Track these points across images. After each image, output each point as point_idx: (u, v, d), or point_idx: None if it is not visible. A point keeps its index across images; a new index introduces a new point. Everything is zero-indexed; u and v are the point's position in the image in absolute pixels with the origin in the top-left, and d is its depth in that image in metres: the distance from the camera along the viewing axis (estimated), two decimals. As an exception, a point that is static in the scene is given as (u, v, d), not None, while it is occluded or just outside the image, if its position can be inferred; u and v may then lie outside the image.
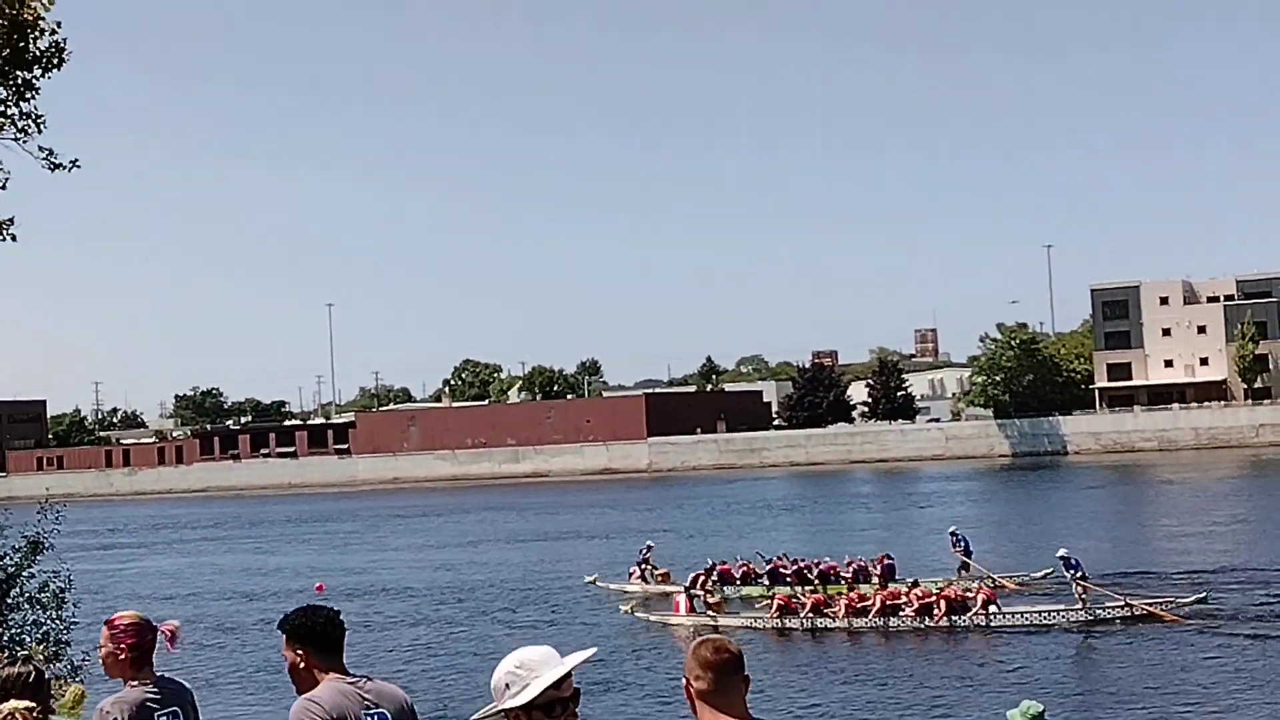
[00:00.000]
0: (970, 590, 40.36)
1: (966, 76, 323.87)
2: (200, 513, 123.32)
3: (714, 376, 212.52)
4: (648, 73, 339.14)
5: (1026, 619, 38.72)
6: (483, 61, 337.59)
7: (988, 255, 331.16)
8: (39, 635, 21.76)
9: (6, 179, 22.17)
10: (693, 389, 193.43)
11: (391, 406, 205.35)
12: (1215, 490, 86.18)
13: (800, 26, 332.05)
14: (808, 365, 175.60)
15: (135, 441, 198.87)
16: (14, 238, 22.46)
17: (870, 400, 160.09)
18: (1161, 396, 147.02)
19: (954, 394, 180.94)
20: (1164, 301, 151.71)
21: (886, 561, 45.16)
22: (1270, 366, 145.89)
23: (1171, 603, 38.65)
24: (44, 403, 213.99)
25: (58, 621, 22.31)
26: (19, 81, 21.80)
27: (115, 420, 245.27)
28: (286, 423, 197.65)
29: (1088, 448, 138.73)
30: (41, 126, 22.22)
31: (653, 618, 42.98)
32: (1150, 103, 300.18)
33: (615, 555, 55.15)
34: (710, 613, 42.17)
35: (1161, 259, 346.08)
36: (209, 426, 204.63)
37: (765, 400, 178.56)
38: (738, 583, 47.10)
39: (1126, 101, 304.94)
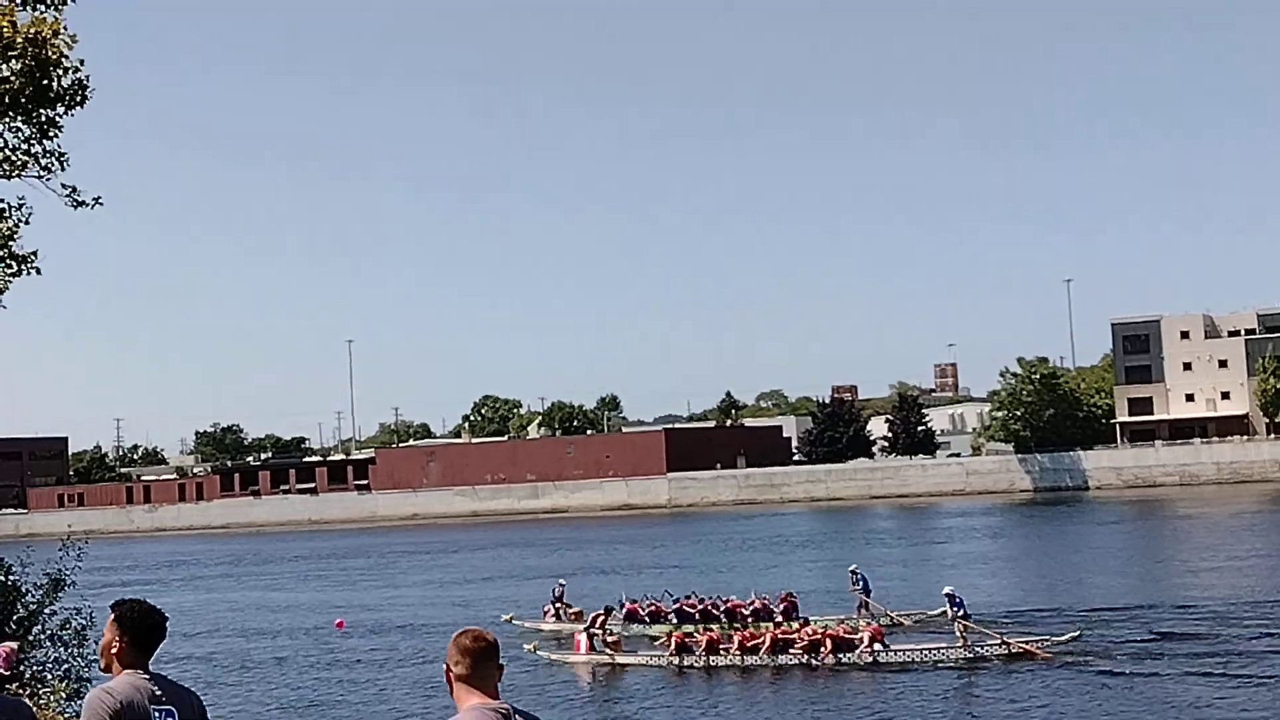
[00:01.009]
0: (858, 629, 41.31)
1: (986, 110, 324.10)
2: (220, 549, 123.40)
3: (734, 411, 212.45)
4: (667, 98, 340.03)
5: (910, 656, 39.70)
6: (499, 96, 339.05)
7: (1008, 290, 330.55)
8: (60, 673, 21.73)
9: (30, 215, 22.30)
10: (712, 424, 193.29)
11: (411, 443, 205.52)
12: (1233, 525, 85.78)
13: (823, 53, 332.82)
14: (827, 400, 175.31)
15: (156, 478, 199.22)
16: (38, 271, 22.56)
17: (890, 435, 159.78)
18: (1183, 431, 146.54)
19: (974, 429, 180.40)
20: (1185, 335, 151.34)
21: (789, 600, 46.12)
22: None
23: (1047, 640, 39.82)
24: (65, 440, 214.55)
25: (79, 659, 22.28)
26: (42, 120, 21.93)
27: (136, 457, 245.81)
28: (306, 459, 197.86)
29: (1109, 483, 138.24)
30: (65, 164, 22.34)
31: (554, 656, 43.84)
32: (1171, 137, 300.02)
33: (618, 590, 55.09)
34: (608, 651, 42.96)
35: (1182, 293, 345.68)
36: (229, 463, 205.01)
37: (785, 435, 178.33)
38: (646, 621, 48.03)
39: (1147, 135, 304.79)
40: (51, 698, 17.53)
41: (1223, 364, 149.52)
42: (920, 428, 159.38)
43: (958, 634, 40.20)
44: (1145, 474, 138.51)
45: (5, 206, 22.17)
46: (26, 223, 22.25)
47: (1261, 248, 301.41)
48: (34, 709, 7.79)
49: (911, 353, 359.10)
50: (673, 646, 41.92)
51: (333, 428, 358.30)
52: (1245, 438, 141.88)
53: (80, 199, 22.40)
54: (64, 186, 22.24)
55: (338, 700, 39.95)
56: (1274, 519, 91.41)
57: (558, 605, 49.92)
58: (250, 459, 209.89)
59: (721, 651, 41.08)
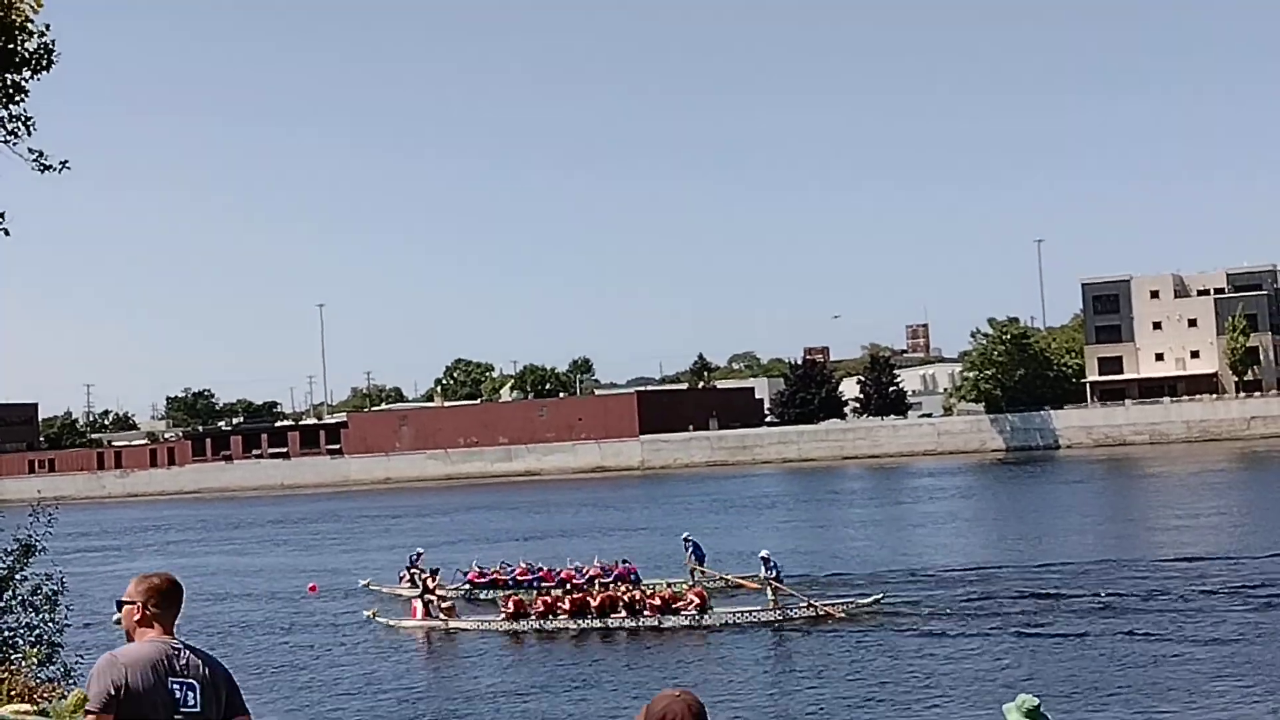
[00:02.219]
0: (682, 592, 42.85)
1: (957, 71, 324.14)
2: (192, 514, 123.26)
3: (706, 374, 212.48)
4: (640, 66, 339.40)
5: (727, 619, 41.66)
6: (474, 61, 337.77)
7: (979, 250, 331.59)
8: (32, 638, 21.73)
9: (-5, 181, 22.20)
10: (685, 386, 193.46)
11: (383, 406, 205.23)
12: (1196, 484, 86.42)
13: (794, 22, 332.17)
14: (800, 362, 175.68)
15: (127, 444, 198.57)
16: (6, 232, 22.45)
17: (862, 396, 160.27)
18: (1152, 390, 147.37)
19: (946, 389, 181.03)
20: (1154, 295, 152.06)
21: (625, 566, 48.20)
22: (1261, 359, 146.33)
23: (850, 603, 41.80)
24: (35, 405, 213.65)
25: (51, 624, 22.30)
26: (7, 84, 21.80)
27: (107, 422, 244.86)
28: (278, 424, 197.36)
29: (1079, 442, 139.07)
30: (31, 128, 22.21)
31: (390, 622, 45.07)
32: (1140, 96, 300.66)
33: (588, 550, 55.60)
34: (443, 616, 44.46)
35: (1152, 253, 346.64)
36: (201, 428, 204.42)
37: (758, 397, 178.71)
38: (487, 587, 49.68)
39: (1116, 95, 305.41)
40: (23, 663, 17.51)
41: (1192, 323, 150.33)
42: (892, 388, 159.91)
43: (769, 596, 42.13)
44: (1115, 433, 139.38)
45: (-30, 171, 22.06)
46: (-8, 187, 22.16)
47: (1230, 207, 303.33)
48: None
49: (883, 314, 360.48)
50: (510, 610, 43.30)
51: (305, 392, 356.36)
52: (1214, 396, 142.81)
53: (47, 163, 22.25)
54: (30, 151, 22.11)
55: (311, 662, 40.23)
56: (1238, 477, 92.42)
57: (413, 570, 50.57)
58: (222, 424, 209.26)
59: (552, 615, 42.59)
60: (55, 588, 22.60)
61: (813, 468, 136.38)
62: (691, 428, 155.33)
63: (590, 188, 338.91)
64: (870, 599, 41.92)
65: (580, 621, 42.22)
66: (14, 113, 21.96)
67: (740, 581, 46.33)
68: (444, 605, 45.17)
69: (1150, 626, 36.48)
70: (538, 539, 73.33)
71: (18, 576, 22.36)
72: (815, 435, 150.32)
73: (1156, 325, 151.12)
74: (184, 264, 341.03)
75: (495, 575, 50.53)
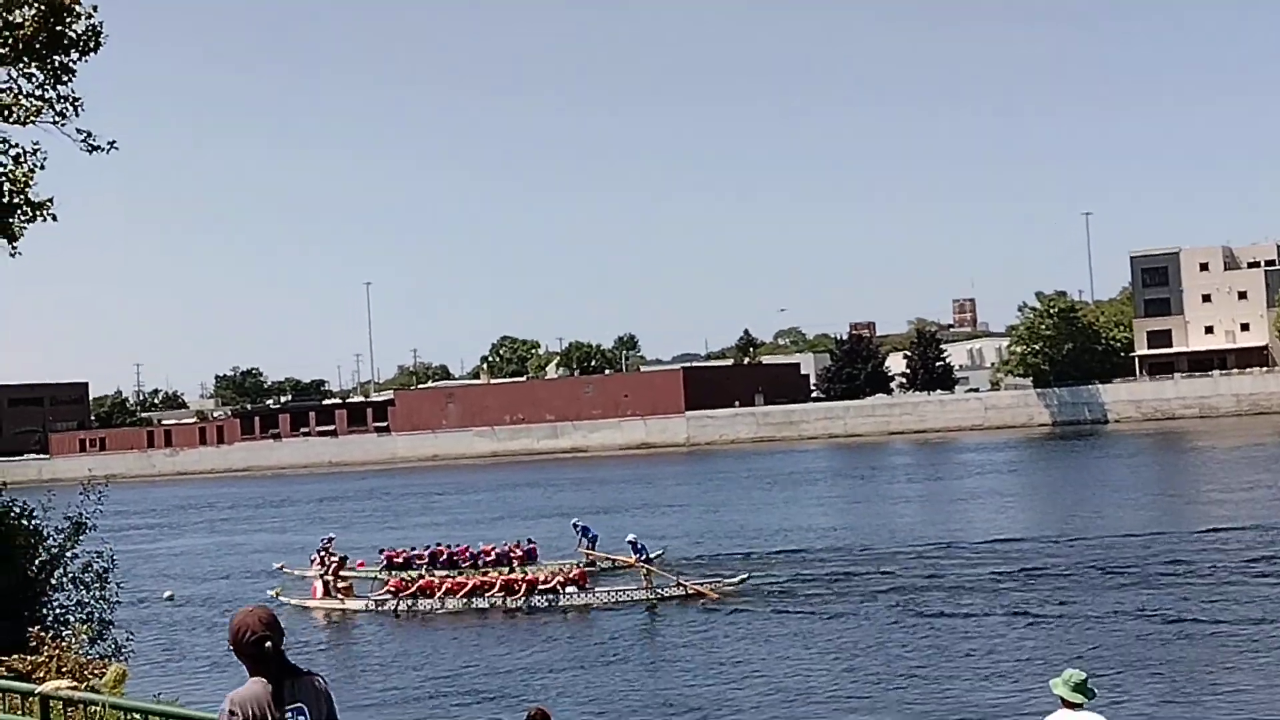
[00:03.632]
0: (559, 572, 44.87)
1: (1003, 43, 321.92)
2: (240, 492, 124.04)
3: (751, 349, 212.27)
4: (681, 44, 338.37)
5: (604, 598, 43.27)
6: (516, 38, 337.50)
7: (1026, 223, 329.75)
8: (83, 615, 21.96)
9: (44, 161, 22.34)
10: (730, 362, 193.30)
11: (430, 384, 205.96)
12: (1250, 457, 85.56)
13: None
14: (845, 337, 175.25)
15: (176, 422, 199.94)
16: (54, 218, 22.64)
17: (908, 371, 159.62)
18: (1202, 363, 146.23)
19: (993, 364, 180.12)
20: (1204, 267, 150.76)
21: (528, 546, 50.18)
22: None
23: (718, 582, 43.16)
24: (86, 385, 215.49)
25: (101, 601, 22.51)
26: (56, 65, 21.95)
27: (156, 401, 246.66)
28: (326, 402, 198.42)
29: (1128, 416, 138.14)
30: (79, 109, 22.37)
31: (292, 602, 47.20)
32: (1190, 67, 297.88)
33: (615, 529, 56.06)
34: (339, 596, 46.96)
35: (1201, 224, 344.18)
36: (249, 406, 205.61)
37: (803, 373, 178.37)
38: (400, 567, 50.79)
39: (1165, 66, 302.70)
40: (73, 640, 17.72)
41: (1242, 295, 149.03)
42: (938, 363, 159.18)
43: (641, 576, 43.85)
44: (1164, 407, 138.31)
45: (21, 152, 22.23)
46: (42, 168, 22.31)
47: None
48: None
49: (930, 288, 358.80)
50: (397, 590, 45.42)
51: (351, 370, 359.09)
52: (1265, 369, 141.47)
53: (95, 144, 22.45)
54: (79, 131, 22.29)
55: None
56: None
57: (323, 554, 51.51)
58: (270, 402, 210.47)
59: (438, 596, 44.50)
60: (105, 565, 22.81)
61: (859, 443, 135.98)
62: (737, 404, 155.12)
63: (636, 163, 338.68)
64: (737, 579, 43.35)
65: (464, 601, 44.13)
66: (62, 94, 22.15)
67: (629, 562, 47.02)
68: (341, 586, 47.46)
69: (1192, 600, 36.29)
70: (570, 515, 73.86)
71: (68, 554, 22.58)
72: (861, 410, 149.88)
73: (1206, 298, 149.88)
74: (232, 243, 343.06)
75: (409, 555, 52.13)
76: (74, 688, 12.40)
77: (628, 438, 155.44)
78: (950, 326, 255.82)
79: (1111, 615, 35.01)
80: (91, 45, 22.06)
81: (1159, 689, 27.28)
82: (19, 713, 11.86)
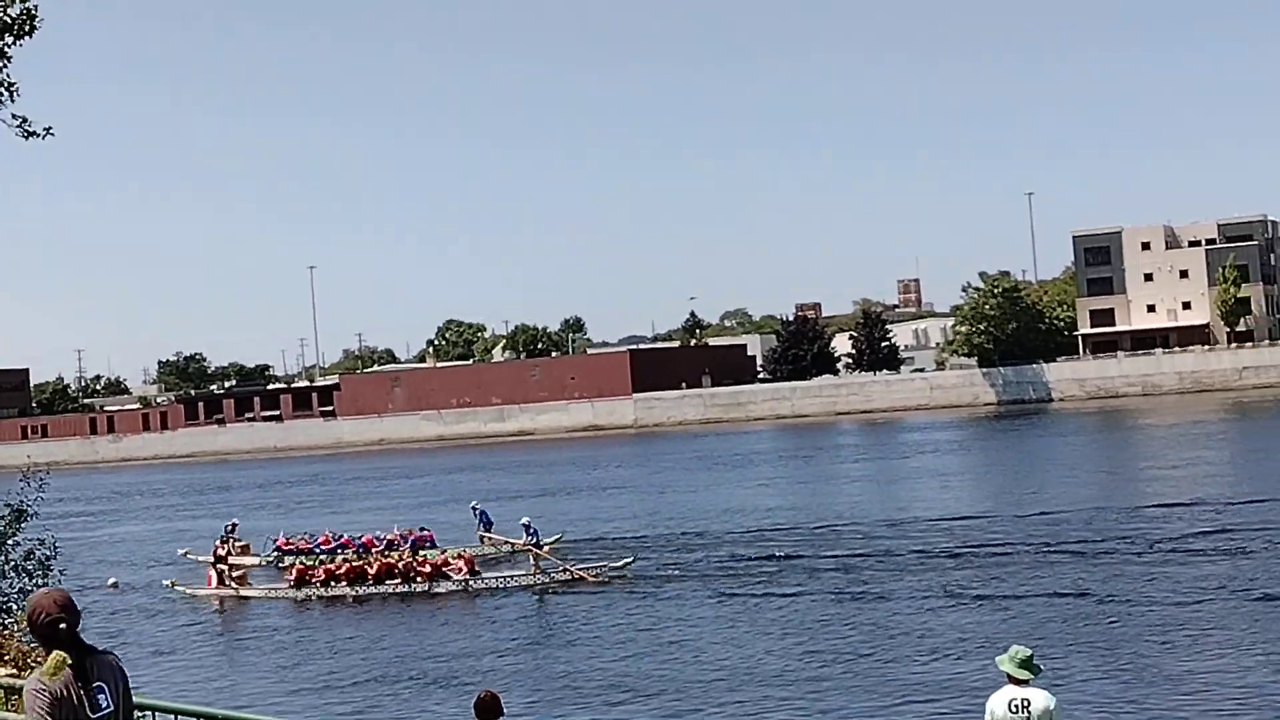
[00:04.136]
0: (453, 558, 45.65)
1: (947, 23, 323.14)
2: (184, 479, 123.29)
3: (698, 331, 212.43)
4: (631, 21, 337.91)
5: (495, 583, 44.29)
6: (454, 25, 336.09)
7: (969, 204, 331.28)
8: (24, 604, 21.74)
9: (-20, 147, 22.09)
10: (677, 344, 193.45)
11: (375, 368, 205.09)
12: (1192, 434, 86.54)
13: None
14: (791, 318, 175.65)
15: (120, 408, 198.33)
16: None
17: (854, 352, 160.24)
18: (1145, 342, 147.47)
19: (938, 344, 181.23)
20: (1146, 247, 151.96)
21: (421, 533, 50.46)
22: (1252, 310, 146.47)
23: (603, 566, 43.94)
24: (27, 371, 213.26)
25: (44, 590, 22.29)
26: (-10, 50, 21.65)
27: (99, 388, 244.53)
28: (271, 386, 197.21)
29: (1072, 394, 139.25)
30: (14, 94, 22.08)
31: (187, 590, 47.60)
32: (1131, 47, 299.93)
33: (572, 509, 56.16)
34: (234, 584, 47.56)
35: (1143, 204, 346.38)
36: (193, 392, 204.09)
37: (750, 354, 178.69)
38: (294, 554, 51.16)
39: (1106, 45, 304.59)
40: (15, 628, 17.53)
41: (1184, 274, 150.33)
42: (884, 344, 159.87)
43: (530, 561, 44.90)
44: (1108, 385, 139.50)
45: (-45, 137, 21.93)
46: (-23, 154, 22.02)
47: (1221, 158, 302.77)
48: None
49: (875, 269, 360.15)
50: (293, 578, 46.17)
51: (296, 355, 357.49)
52: (1206, 347, 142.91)
53: (31, 129, 22.15)
54: (14, 117, 22.01)
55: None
56: (1230, 427, 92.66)
57: (228, 540, 51.87)
58: (214, 388, 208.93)
59: (333, 583, 45.22)
60: (48, 553, 22.59)
61: (806, 424, 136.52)
62: (684, 385, 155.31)
63: (579, 147, 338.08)
64: (622, 562, 43.89)
65: (359, 588, 44.82)
66: (-3, 79, 21.85)
67: (519, 545, 47.48)
68: (236, 574, 47.95)
69: (1133, 576, 36.66)
70: (519, 499, 73.93)
71: (10, 542, 22.35)
72: (808, 391, 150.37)
73: (1148, 277, 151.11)
74: (174, 229, 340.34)
75: (300, 543, 52.32)
76: (15, 675, 12.27)
77: (575, 420, 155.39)
78: (895, 307, 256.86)
79: (1055, 592, 35.31)
80: (26, 29, 21.77)
81: (1102, 665, 27.53)
82: (-40, 702, 11.72)
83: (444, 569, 44.79)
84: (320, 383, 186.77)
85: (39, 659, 15.24)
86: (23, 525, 22.53)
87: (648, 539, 51.88)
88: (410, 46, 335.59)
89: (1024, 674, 12.46)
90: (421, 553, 47.08)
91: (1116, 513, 49.19)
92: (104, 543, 67.59)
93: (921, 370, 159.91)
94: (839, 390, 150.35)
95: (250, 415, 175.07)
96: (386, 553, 47.50)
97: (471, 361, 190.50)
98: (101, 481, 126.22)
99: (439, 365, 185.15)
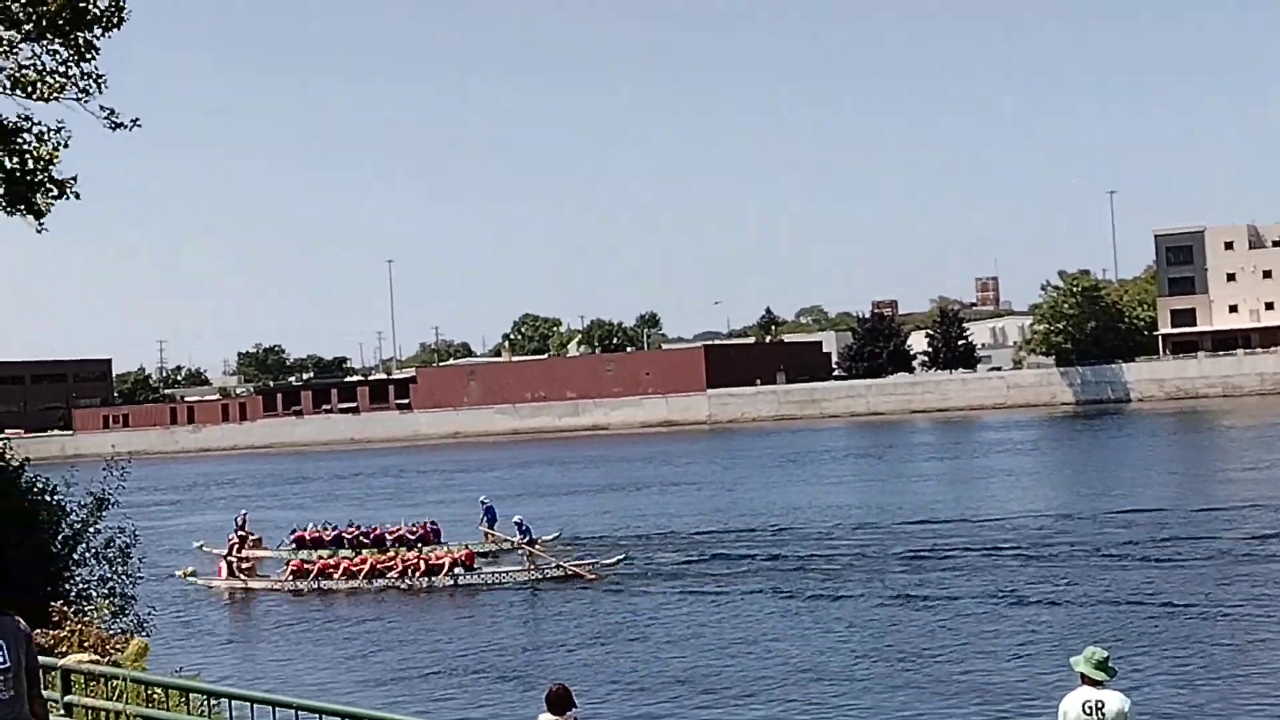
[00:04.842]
0: (451, 554, 46.67)
1: (1025, 22, 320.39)
2: (261, 469, 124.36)
3: (773, 327, 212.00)
4: (705, 29, 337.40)
5: (491, 579, 45.42)
6: (541, 20, 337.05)
7: (1050, 202, 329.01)
8: (105, 590, 22.06)
9: (69, 139, 22.38)
10: (752, 340, 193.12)
11: (451, 361, 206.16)
12: (1276, 437, 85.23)
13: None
14: (868, 315, 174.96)
15: (199, 399, 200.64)
16: (77, 195, 22.70)
17: (931, 350, 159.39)
18: (1226, 342, 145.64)
19: (1015, 342, 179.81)
20: (1229, 246, 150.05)
21: (430, 527, 51.16)
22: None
23: (595, 563, 44.76)
24: (109, 361, 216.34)
25: (123, 577, 22.60)
26: (79, 42, 21.95)
27: (180, 378, 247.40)
28: (348, 379, 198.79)
29: (1151, 395, 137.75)
30: (102, 86, 22.38)
31: (199, 581, 48.74)
32: (1212, 44, 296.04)
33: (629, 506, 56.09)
34: (242, 576, 48.83)
35: (1226, 203, 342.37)
36: (272, 383, 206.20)
37: (825, 351, 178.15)
38: (310, 546, 51.82)
39: (1188, 44, 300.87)
40: (95, 615, 17.81)
41: (1267, 274, 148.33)
42: (961, 342, 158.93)
43: (525, 557, 45.72)
44: (1187, 386, 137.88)
45: (45, 130, 22.26)
46: (66, 146, 22.33)
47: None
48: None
49: (953, 267, 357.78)
50: (290, 572, 47.84)
51: (374, 347, 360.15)
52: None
53: (118, 121, 22.47)
54: (102, 109, 22.31)
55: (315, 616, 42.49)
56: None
57: (240, 533, 52.75)
58: (292, 379, 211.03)
59: (334, 576, 46.71)
60: (128, 541, 22.90)
61: (881, 421, 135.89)
62: (759, 382, 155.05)
63: (657, 142, 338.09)
64: (614, 559, 44.66)
65: (360, 582, 46.17)
66: (85, 70, 22.16)
67: (519, 545, 47.86)
68: (245, 566, 49.26)
69: (1211, 579, 36.23)
70: (583, 494, 74.14)
71: (91, 530, 22.66)
72: (883, 389, 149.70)
73: (1230, 277, 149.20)
74: (254, 221, 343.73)
75: (317, 535, 53.06)
76: (96, 662, 12.47)
77: (649, 415, 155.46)
78: (973, 305, 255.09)
79: (1130, 594, 34.93)
80: (114, 21, 22.05)
81: (1176, 669, 27.22)
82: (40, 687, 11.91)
83: (441, 564, 46.03)
84: (397, 375, 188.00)
85: (119, 646, 15.47)
86: (104, 513, 22.86)
87: (716, 535, 51.93)
88: (490, 51, 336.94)
89: (1100, 675, 12.36)
90: (424, 549, 48.24)
91: (1194, 515, 48.62)
92: (183, 531, 68.27)
93: (998, 369, 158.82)
94: (914, 388, 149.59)
95: (327, 407, 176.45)
96: (395, 546, 48.94)
97: (547, 356, 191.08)
98: (180, 471, 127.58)
99: (514, 359, 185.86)
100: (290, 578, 47.64)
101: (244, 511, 55.59)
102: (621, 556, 45.16)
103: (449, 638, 36.34)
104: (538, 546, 46.66)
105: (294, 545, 52.29)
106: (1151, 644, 29.34)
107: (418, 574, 45.66)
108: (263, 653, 36.33)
